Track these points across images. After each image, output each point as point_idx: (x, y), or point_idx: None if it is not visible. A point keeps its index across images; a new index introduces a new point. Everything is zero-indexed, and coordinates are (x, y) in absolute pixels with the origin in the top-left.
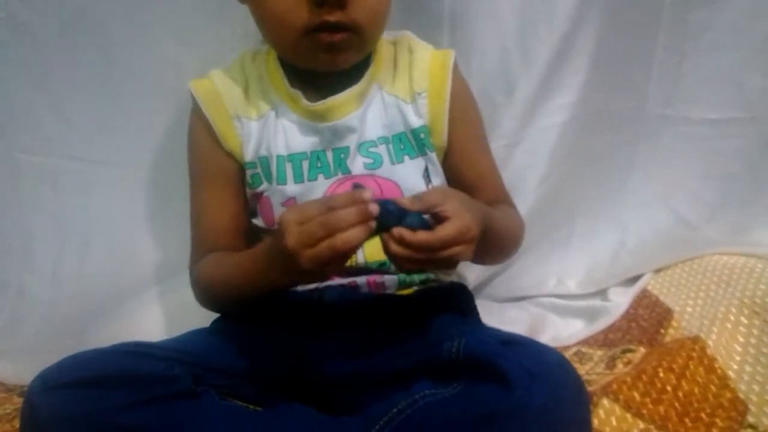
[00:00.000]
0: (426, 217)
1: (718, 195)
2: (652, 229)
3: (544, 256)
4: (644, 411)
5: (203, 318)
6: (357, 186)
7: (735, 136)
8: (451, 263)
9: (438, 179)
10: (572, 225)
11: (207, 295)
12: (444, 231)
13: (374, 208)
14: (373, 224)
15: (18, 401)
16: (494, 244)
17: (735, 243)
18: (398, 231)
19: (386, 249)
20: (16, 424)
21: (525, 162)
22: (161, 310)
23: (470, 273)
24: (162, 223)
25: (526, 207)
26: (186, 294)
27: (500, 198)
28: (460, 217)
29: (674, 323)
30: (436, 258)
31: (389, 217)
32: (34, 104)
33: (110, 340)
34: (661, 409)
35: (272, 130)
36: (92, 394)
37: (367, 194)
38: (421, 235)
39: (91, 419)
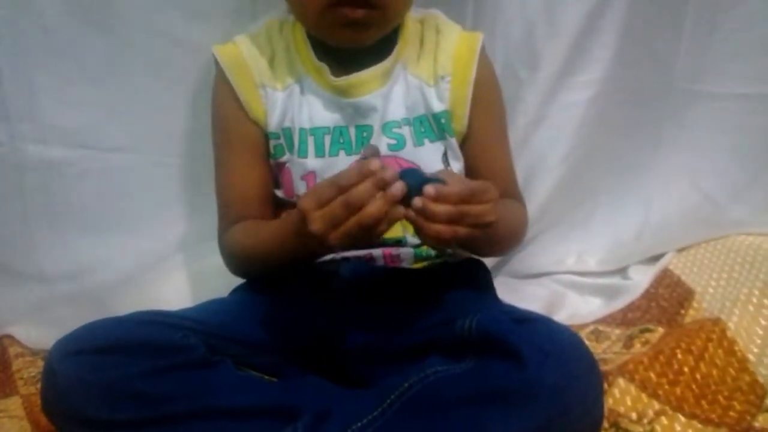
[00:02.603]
0: None
1: (745, 173)
2: (676, 207)
3: (565, 233)
4: (660, 392)
5: (223, 286)
6: (367, 150)
7: (764, 112)
8: (480, 225)
9: (457, 164)
10: (594, 202)
11: (237, 263)
12: (471, 182)
13: (389, 174)
14: (399, 187)
15: (42, 364)
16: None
17: (761, 223)
18: (432, 187)
19: (420, 216)
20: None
21: (548, 139)
22: (181, 279)
23: None
24: (178, 198)
25: (548, 184)
26: (207, 263)
27: (510, 193)
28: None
29: (695, 304)
30: (469, 213)
31: (415, 180)
32: (35, 90)
33: (131, 308)
34: (678, 390)
35: (297, 102)
36: (110, 361)
37: (375, 164)
38: (455, 187)
39: (109, 385)
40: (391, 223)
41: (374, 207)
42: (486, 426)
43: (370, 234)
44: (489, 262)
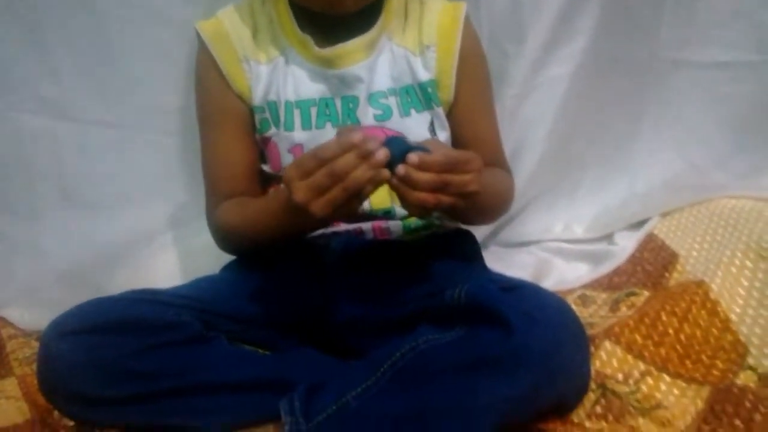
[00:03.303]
0: None
1: (729, 141)
2: (661, 175)
3: (553, 202)
4: (645, 353)
5: (214, 264)
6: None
7: (747, 80)
8: (463, 194)
9: (443, 133)
10: (582, 172)
11: (228, 240)
12: (455, 151)
13: (372, 145)
14: (384, 153)
15: (36, 345)
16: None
17: (744, 187)
18: (415, 155)
19: (403, 184)
20: (35, 367)
21: (535, 112)
22: (173, 257)
23: None
24: (167, 175)
25: (535, 156)
26: (196, 241)
27: (497, 161)
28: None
29: (679, 267)
30: (452, 181)
31: (399, 148)
32: (27, 62)
33: (123, 287)
34: (663, 351)
35: (281, 75)
36: (103, 340)
37: (357, 136)
38: (438, 156)
39: (103, 364)
40: (375, 186)
41: (359, 172)
42: (476, 392)
43: (354, 200)
44: (478, 233)
